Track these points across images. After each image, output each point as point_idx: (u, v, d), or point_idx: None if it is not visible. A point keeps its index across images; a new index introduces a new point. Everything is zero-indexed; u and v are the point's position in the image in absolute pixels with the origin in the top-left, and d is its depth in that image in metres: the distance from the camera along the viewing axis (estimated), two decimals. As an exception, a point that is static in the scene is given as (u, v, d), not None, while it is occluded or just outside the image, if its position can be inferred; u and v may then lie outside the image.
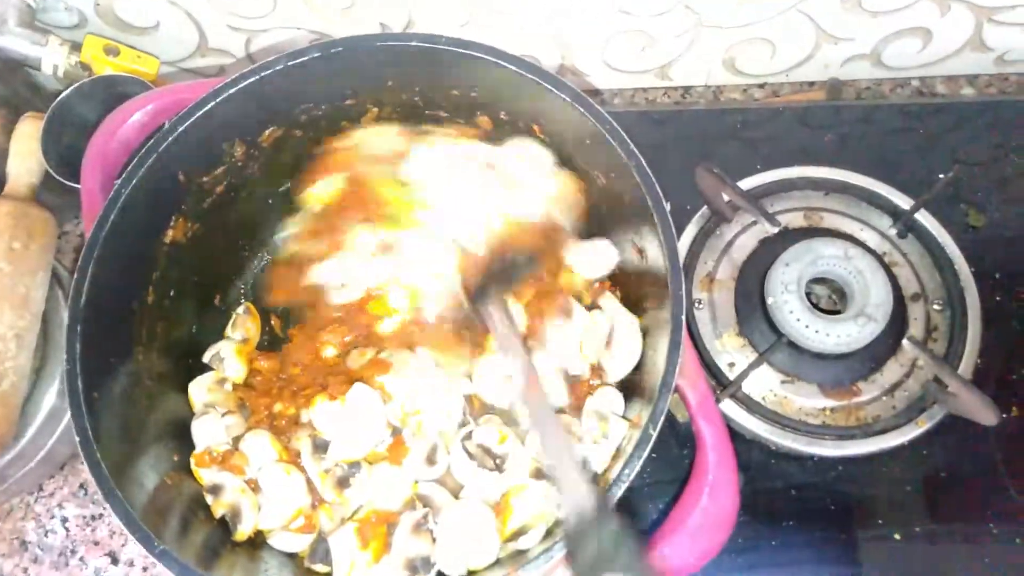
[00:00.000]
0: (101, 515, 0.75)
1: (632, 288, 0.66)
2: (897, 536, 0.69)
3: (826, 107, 0.89)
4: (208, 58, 0.89)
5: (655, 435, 0.52)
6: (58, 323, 0.74)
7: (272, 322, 0.74)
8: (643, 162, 0.57)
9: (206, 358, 0.69)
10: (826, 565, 0.69)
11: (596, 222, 0.68)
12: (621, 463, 0.53)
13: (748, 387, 0.72)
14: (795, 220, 0.79)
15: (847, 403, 0.72)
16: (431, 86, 0.64)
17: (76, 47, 0.81)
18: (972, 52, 0.88)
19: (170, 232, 0.64)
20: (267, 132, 0.66)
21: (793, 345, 0.71)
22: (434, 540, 0.59)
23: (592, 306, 0.67)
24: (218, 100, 0.60)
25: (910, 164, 0.83)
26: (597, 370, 0.65)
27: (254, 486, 0.62)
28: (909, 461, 0.71)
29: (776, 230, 0.75)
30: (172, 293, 0.66)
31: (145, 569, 0.74)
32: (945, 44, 0.87)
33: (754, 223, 0.79)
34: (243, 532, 0.61)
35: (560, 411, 0.63)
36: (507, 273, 0.64)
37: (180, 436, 0.64)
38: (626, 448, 0.57)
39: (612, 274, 0.68)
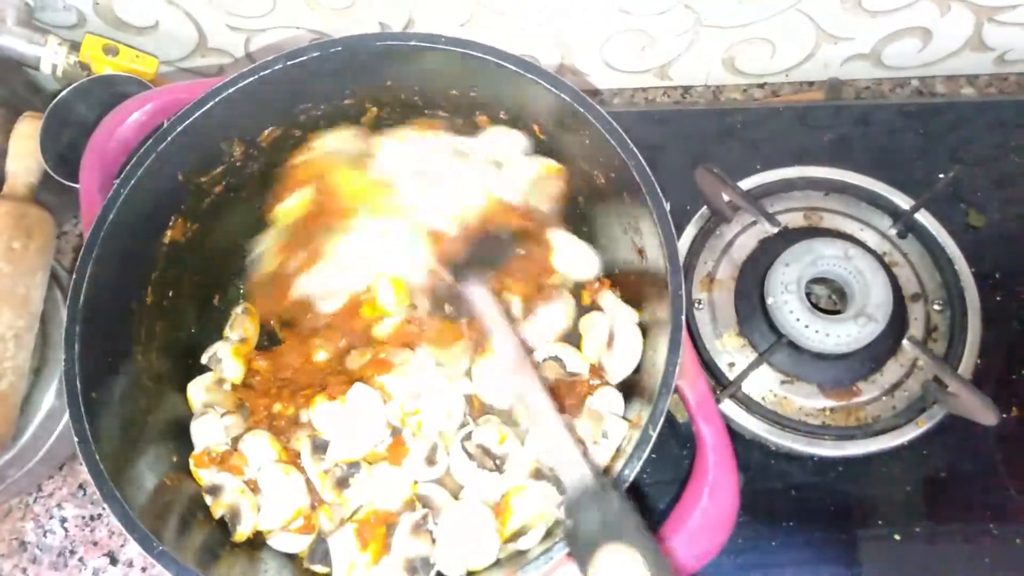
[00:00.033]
0: (100, 515, 0.75)
1: (632, 288, 0.66)
2: (897, 536, 0.69)
3: (826, 107, 0.89)
4: (207, 58, 0.89)
5: (655, 436, 0.52)
6: (57, 323, 0.74)
7: (272, 322, 0.74)
8: (643, 162, 0.56)
9: (204, 359, 0.68)
10: (826, 565, 0.69)
11: (595, 222, 0.68)
12: (621, 463, 0.53)
13: (748, 387, 0.72)
14: (795, 220, 0.79)
15: (847, 403, 0.72)
16: (431, 86, 0.64)
17: (75, 46, 0.80)
18: (972, 52, 0.88)
19: (169, 232, 0.64)
20: (266, 132, 0.66)
21: (793, 345, 0.71)
22: (434, 541, 0.59)
23: (592, 306, 0.67)
24: (217, 100, 0.59)
25: (910, 164, 0.83)
26: (597, 370, 0.65)
27: (253, 487, 0.62)
28: (909, 461, 0.71)
29: (776, 230, 0.75)
30: (171, 293, 0.66)
31: (144, 569, 0.73)
32: (945, 44, 0.87)
33: (754, 223, 0.79)
34: (242, 533, 0.61)
35: (560, 411, 0.63)
36: (490, 252, 0.64)
37: (179, 436, 0.64)
38: (626, 448, 0.56)
39: (612, 274, 0.68)
